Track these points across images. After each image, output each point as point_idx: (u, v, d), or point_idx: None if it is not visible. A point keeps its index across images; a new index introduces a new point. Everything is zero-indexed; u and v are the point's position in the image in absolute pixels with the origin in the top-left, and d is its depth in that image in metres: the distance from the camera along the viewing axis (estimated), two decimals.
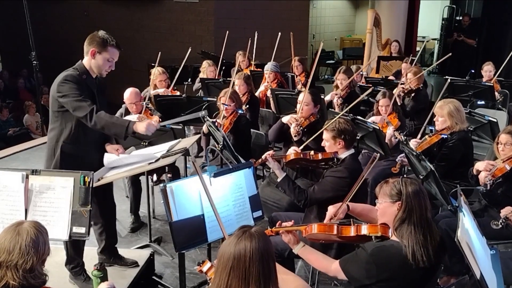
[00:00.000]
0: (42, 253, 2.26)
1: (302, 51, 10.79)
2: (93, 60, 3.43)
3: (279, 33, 7.61)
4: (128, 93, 5.05)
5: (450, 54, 6.52)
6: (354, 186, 3.11)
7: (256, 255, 2.04)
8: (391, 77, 7.82)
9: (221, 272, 2.08)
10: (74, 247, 3.62)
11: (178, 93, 6.41)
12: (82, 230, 3.00)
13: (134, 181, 4.94)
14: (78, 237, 3.03)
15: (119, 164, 3.59)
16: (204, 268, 2.52)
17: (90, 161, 3.53)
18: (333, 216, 3.06)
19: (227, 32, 7.87)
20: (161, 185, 2.99)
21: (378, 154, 3.22)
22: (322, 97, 5.91)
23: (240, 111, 5.03)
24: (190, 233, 3.01)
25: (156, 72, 6.24)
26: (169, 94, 6.15)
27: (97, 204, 3.65)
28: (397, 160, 4.51)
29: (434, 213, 4.00)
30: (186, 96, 5.74)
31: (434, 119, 4.61)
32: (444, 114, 4.49)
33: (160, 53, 6.05)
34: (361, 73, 7.35)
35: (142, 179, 4.94)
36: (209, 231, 3.06)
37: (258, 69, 7.81)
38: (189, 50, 6.70)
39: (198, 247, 3.90)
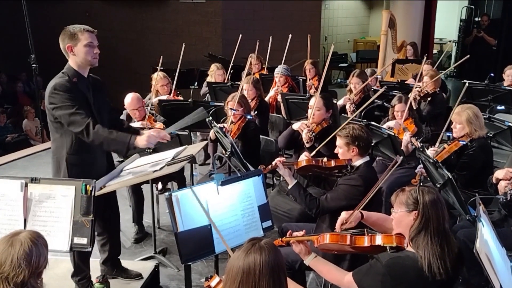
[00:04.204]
0: (36, 266, 2.16)
1: (314, 53, 10.62)
2: (75, 56, 3.28)
3: (290, 35, 7.46)
4: (130, 99, 4.85)
5: (468, 56, 6.35)
6: (369, 194, 3.04)
7: (266, 269, 2.00)
8: (409, 81, 7.64)
9: (229, 287, 2.03)
10: (81, 257, 3.53)
11: (181, 98, 6.27)
12: (84, 241, 2.94)
13: (136, 189, 4.83)
14: (79, 248, 2.96)
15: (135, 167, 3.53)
16: (213, 283, 2.46)
17: (98, 167, 3.46)
18: (344, 222, 3.01)
19: (240, 36, 7.72)
20: (167, 193, 2.92)
21: (401, 157, 3.11)
22: (335, 101, 5.79)
23: (248, 116, 4.93)
24: (197, 244, 2.94)
25: (157, 77, 6.06)
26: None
27: (101, 214, 3.53)
28: (416, 171, 4.42)
29: (451, 223, 3.94)
30: (192, 100, 5.61)
31: (452, 126, 4.52)
32: (463, 120, 4.39)
33: (162, 56, 5.90)
34: (376, 76, 7.21)
35: (144, 187, 4.86)
36: (216, 242, 2.98)
37: (268, 73, 7.66)
38: (183, 46, 6.47)
39: (205, 258, 3.82)
